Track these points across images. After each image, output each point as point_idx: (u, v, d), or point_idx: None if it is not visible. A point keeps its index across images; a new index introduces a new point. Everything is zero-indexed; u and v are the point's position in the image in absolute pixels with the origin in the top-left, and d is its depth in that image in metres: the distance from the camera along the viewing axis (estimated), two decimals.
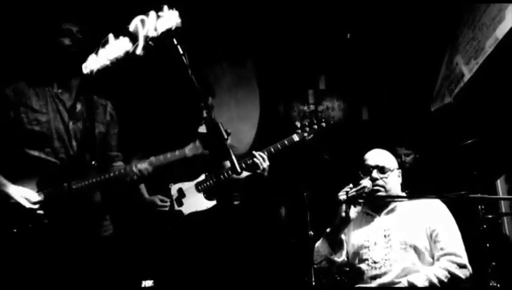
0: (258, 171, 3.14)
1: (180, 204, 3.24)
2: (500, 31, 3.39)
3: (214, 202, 3.25)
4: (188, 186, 3.29)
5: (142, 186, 3.32)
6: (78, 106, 2.55)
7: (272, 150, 3.18)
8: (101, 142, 2.60)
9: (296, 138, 3.21)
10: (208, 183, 3.26)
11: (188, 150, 2.64)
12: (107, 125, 2.66)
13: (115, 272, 2.60)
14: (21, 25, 3.74)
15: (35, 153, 2.39)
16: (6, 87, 2.46)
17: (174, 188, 3.29)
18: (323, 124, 3.28)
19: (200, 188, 3.27)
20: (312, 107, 5.00)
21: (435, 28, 4.40)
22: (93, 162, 2.51)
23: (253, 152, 3.16)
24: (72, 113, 2.52)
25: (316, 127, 3.26)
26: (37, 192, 2.36)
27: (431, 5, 4.22)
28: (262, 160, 3.12)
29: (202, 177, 3.28)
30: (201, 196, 3.24)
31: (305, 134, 3.23)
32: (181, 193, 3.27)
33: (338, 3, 4.48)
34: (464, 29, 4.06)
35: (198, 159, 2.69)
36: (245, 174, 3.37)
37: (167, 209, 3.21)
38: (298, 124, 3.27)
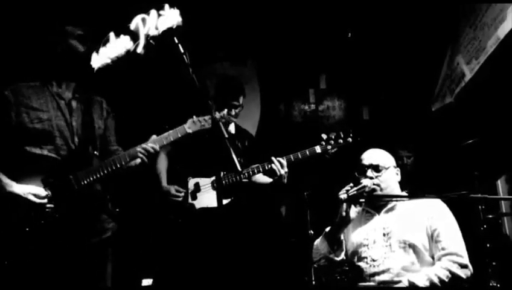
0: (275, 177, 3.15)
1: (194, 198, 3.26)
2: (502, 31, 3.39)
3: (226, 201, 3.25)
4: (205, 182, 3.30)
5: (163, 174, 3.36)
6: (74, 104, 2.56)
7: (292, 158, 3.19)
8: (100, 137, 2.62)
9: (318, 149, 3.20)
10: (224, 181, 3.25)
11: (188, 127, 2.67)
12: (105, 120, 2.68)
13: (115, 271, 2.60)
14: (24, 25, 3.74)
15: (37, 151, 2.40)
16: (4, 89, 2.46)
17: (191, 182, 3.30)
18: (350, 140, 3.23)
19: (216, 185, 3.27)
20: (313, 106, 5.00)
21: (437, 27, 4.39)
22: (95, 152, 2.52)
23: (272, 158, 3.16)
24: (70, 109, 2.54)
25: (341, 141, 3.23)
26: (43, 188, 2.36)
27: (432, 4, 4.22)
28: (280, 166, 3.13)
29: (220, 175, 3.27)
30: (215, 193, 3.25)
31: (329, 147, 3.21)
32: (197, 187, 3.28)
33: (339, 3, 4.48)
34: (465, 29, 4.06)
35: (200, 134, 2.70)
36: (268, 179, 3.38)
37: (180, 199, 3.22)
38: (324, 136, 3.23)
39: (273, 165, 3.13)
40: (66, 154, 2.44)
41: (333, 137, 3.24)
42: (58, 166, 2.41)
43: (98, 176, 2.45)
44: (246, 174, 3.21)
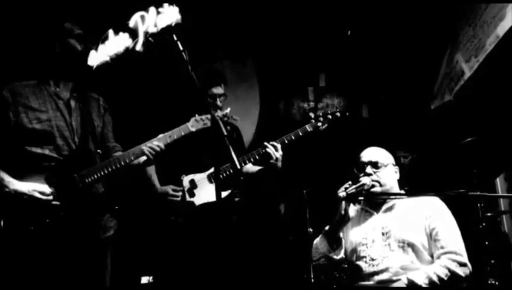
0: (271, 161, 3.14)
1: (192, 195, 3.23)
2: (501, 29, 3.39)
3: (226, 193, 3.23)
4: (200, 177, 3.27)
5: (154, 177, 3.32)
6: (72, 103, 2.56)
7: (285, 140, 3.19)
8: (99, 134, 2.62)
9: (309, 128, 3.22)
10: (221, 174, 3.22)
11: (191, 126, 2.68)
12: (103, 117, 2.68)
13: (115, 269, 2.61)
14: (21, 24, 3.73)
15: (38, 150, 2.39)
16: (2, 89, 2.46)
17: (186, 180, 3.27)
18: (338, 114, 3.29)
19: (212, 179, 3.26)
20: (312, 104, 5.00)
21: (436, 26, 4.39)
22: (98, 150, 2.54)
23: (265, 142, 3.16)
24: (68, 109, 2.53)
25: (330, 117, 3.27)
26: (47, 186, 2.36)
27: (432, 3, 4.21)
28: (274, 149, 3.12)
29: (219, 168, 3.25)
30: (213, 186, 3.23)
31: (319, 124, 3.24)
32: (193, 184, 3.26)
33: (338, 2, 4.47)
34: (464, 27, 4.06)
35: (203, 132, 2.70)
36: (256, 168, 3.37)
37: (179, 199, 3.21)
38: (312, 115, 3.28)
39: (267, 149, 3.12)
40: (67, 154, 2.43)
41: (321, 114, 3.28)
42: (61, 165, 2.40)
43: (103, 174, 2.46)
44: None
